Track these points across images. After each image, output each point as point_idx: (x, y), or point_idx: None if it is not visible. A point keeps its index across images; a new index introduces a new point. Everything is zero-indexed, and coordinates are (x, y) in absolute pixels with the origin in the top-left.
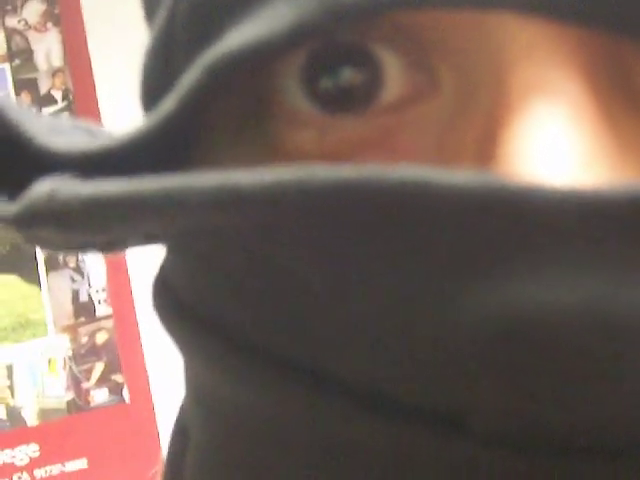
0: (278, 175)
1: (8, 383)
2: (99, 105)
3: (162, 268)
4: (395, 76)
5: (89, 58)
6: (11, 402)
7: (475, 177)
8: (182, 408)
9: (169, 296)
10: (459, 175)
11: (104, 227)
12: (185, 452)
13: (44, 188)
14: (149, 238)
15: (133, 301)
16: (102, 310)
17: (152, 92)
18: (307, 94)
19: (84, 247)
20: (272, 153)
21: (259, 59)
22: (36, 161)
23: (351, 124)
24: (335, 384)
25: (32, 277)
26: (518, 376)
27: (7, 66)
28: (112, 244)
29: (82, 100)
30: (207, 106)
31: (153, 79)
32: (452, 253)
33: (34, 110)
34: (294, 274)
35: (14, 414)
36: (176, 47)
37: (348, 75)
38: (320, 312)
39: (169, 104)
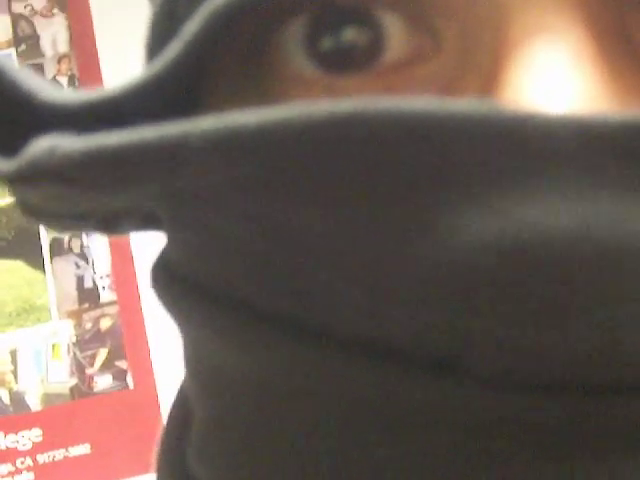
0: (281, 111)
1: (12, 368)
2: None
3: (161, 254)
4: (397, 36)
5: (95, 44)
6: (15, 387)
7: (475, 104)
8: (182, 384)
9: (167, 272)
10: (459, 103)
11: (105, 182)
12: (187, 424)
13: (44, 144)
14: (149, 221)
15: (137, 288)
16: (106, 296)
17: (156, 46)
18: (310, 55)
19: (80, 220)
20: None
21: (262, 4)
22: (34, 120)
23: (353, 84)
24: (333, 338)
25: (37, 262)
26: (516, 305)
27: (13, 51)
28: (111, 221)
29: (88, 86)
30: (210, 54)
31: (157, 35)
32: (451, 180)
33: (36, 73)
34: (292, 229)
35: (18, 399)
36: (179, 7)
37: (350, 35)
38: (317, 264)
39: (173, 50)
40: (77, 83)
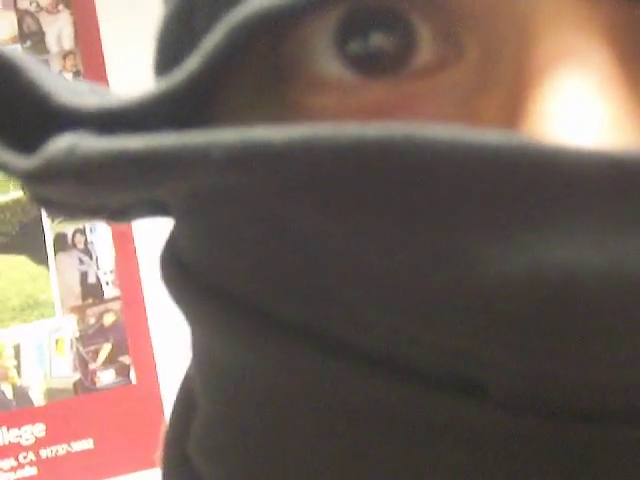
0: (307, 131)
1: (15, 363)
2: (110, 87)
3: (169, 241)
4: (425, 42)
5: (100, 40)
6: (18, 382)
7: (505, 137)
8: (187, 377)
9: (177, 266)
10: (489, 135)
11: (123, 183)
12: (190, 418)
13: (63, 143)
14: (159, 209)
15: (141, 283)
16: (110, 292)
17: (171, 55)
18: (338, 57)
19: (92, 213)
20: (291, 117)
21: (288, 19)
22: (50, 119)
23: (377, 88)
24: (349, 349)
25: (41, 258)
26: (542, 337)
27: (18, 47)
28: (122, 212)
29: (93, 82)
30: (230, 67)
31: (172, 42)
32: (479, 212)
33: (52, 70)
34: (310, 236)
35: (21, 394)
36: (198, 9)
37: (379, 39)
38: (336, 275)
39: (193, 64)
40: (82, 79)
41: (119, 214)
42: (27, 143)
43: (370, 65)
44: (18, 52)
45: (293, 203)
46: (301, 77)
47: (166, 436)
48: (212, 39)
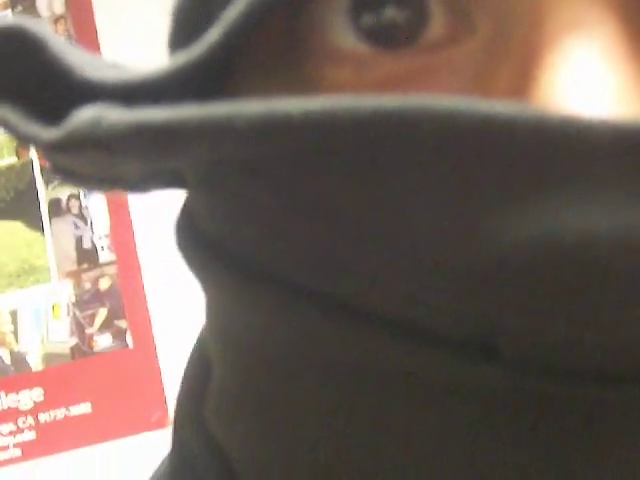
0: (328, 103)
1: (12, 328)
2: (101, 52)
3: (185, 209)
4: (436, 17)
5: (91, 5)
6: (15, 347)
7: (518, 107)
8: (200, 339)
9: (193, 234)
10: (503, 105)
11: (147, 154)
12: (206, 380)
13: (88, 114)
14: (176, 180)
15: (136, 247)
16: (105, 256)
17: (187, 28)
18: (352, 30)
19: (111, 184)
20: (307, 90)
21: None
22: (72, 92)
23: (390, 61)
24: (363, 312)
25: (36, 223)
26: (552, 299)
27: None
28: (140, 183)
29: (84, 47)
30: (248, 40)
31: (189, 16)
32: (495, 180)
33: (75, 45)
34: (329, 204)
35: (18, 359)
36: None
37: (392, 13)
38: (353, 241)
39: (213, 36)
40: (73, 44)
41: (137, 185)
42: (50, 116)
43: (383, 38)
44: (42, 26)
45: (312, 172)
46: (316, 50)
47: (178, 399)
48: (231, 12)
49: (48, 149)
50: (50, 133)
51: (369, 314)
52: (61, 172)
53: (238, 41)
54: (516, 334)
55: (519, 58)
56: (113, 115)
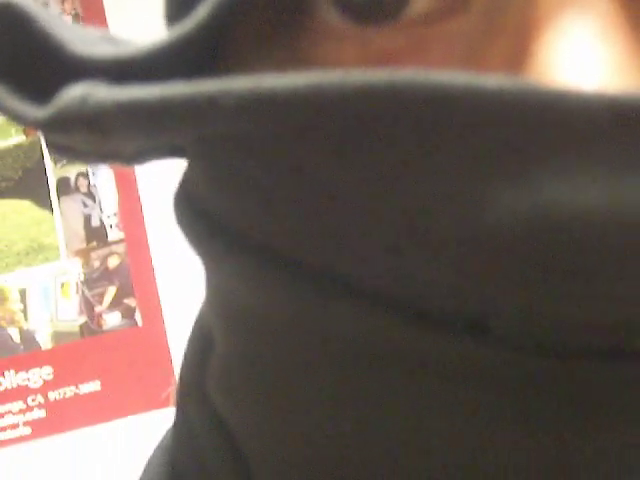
0: (314, 78)
1: (22, 307)
2: (109, 29)
3: (183, 181)
4: None
5: None
6: (25, 326)
7: (508, 81)
8: (201, 315)
9: (191, 207)
10: (492, 79)
11: (136, 131)
12: (207, 356)
13: (77, 92)
14: (172, 150)
15: (144, 225)
16: (114, 234)
17: (181, 2)
18: (339, 7)
19: (107, 158)
20: (300, 66)
21: None
22: (63, 69)
23: (380, 37)
24: (357, 288)
25: (44, 202)
26: (544, 275)
27: None
28: (138, 156)
29: (91, 24)
30: (237, 15)
31: None
32: (483, 154)
33: (63, 19)
34: (320, 179)
35: (28, 337)
36: None
37: None
38: (344, 217)
39: (202, 12)
40: (81, 22)
41: (135, 158)
42: (42, 92)
43: (370, 14)
44: (29, 2)
45: (301, 148)
46: (305, 27)
47: (181, 373)
48: None
49: (40, 127)
50: (40, 112)
51: (359, 290)
52: (58, 149)
53: (227, 15)
54: (507, 311)
55: (514, 34)
56: (101, 93)
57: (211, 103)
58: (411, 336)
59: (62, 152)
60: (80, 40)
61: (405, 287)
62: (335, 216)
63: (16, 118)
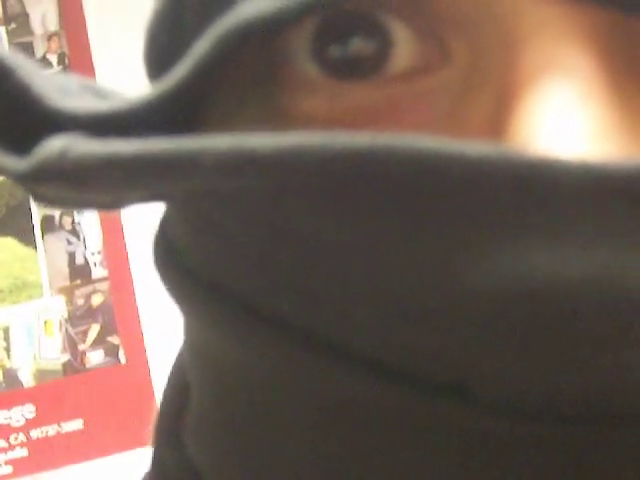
0: (295, 139)
1: (4, 345)
2: (95, 69)
3: (162, 226)
4: (404, 46)
5: (85, 22)
6: (7, 363)
7: (488, 149)
8: (179, 358)
9: (169, 252)
10: (473, 146)
11: (115, 185)
12: (183, 400)
13: (56, 145)
14: (154, 197)
15: (129, 263)
16: (98, 272)
17: (160, 56)
18: (317, 61)
19: (89, 205)
20: (280, 119)
21: (271, 29)
22: (44, 120)
23: (360, 92)
24: (338, 349)
25: (28, 239)
26: (525, 344)
27: (3, 29)
28: (116, 202)
29: (78, 64)
30: (218, 73)
31: (161, 43)
32: (464, 223)
33: (43, 69)
34: (303, 239)
35: (10, 375)
36: (186, 12)
37: (357, 44)
38: (326, 278)
39: (182, 71)
40: (67, 61)
41: (116, 204)
42: (23, 143)
43: (349, 69)
44: (8, 52)
45: (282, 207)
46: (285, 82)
47: (158, 417)
48: (200, 46)
49: (20, 179)
50: (20, 164)
51: (341, 350)
52: (40, 197)
53: (207, 75)
54: (489, 376)
55: (495, 93)
56: (80, 146)
57: (192, 161)
58: (395, 399)
59: (44, 199)
60: (60, 92)
61: (390, 351)
62: (313, 276)
63: None
